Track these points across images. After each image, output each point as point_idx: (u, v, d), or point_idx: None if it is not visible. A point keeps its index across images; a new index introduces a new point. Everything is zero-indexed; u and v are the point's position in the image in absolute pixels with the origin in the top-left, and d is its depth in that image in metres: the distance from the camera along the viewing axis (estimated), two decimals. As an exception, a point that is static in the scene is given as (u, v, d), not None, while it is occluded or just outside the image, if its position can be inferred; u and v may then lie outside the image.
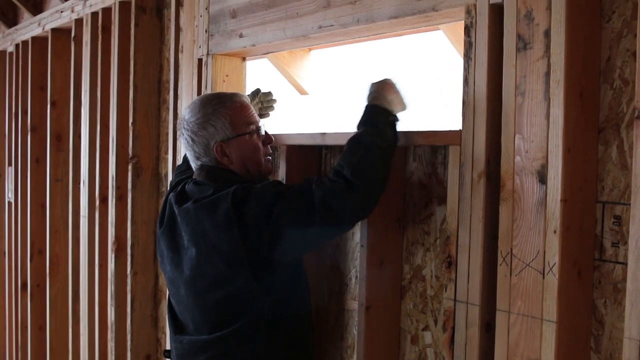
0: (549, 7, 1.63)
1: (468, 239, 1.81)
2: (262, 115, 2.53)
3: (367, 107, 1.96)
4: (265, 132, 2.16)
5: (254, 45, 2.51)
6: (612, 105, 1.65)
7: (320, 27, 2.24)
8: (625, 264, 1.60)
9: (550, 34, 1.62)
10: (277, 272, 1.98)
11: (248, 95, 2.49)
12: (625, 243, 1.61)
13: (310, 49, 2.79)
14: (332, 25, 2.20)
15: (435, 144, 2.03)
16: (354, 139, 1.91)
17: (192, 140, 2.08)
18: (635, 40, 1.61)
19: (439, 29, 2.37)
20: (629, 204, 1.59)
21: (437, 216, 2.08)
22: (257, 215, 1.89)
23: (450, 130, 1.89)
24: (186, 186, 2.10)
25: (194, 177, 2.13)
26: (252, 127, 2.10)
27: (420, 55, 2.94)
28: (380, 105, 1.93)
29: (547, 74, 1.63)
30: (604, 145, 1.66)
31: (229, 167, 2.08)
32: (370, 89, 1.98)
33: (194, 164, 2.13)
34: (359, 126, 1.94)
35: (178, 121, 2.20)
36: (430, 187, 2.10)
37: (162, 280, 3.33)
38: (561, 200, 1.61)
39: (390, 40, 2.67)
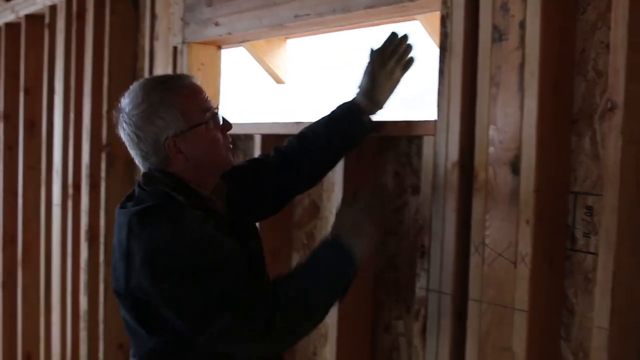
0: (524, -1, 1.64)
1: (441, 228, 1.82)
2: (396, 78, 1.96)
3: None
4: (223, 118, 1.78)
5: (229, 33, 2.50)
6: (586, 96, 1.66)
7: (296, 16, 2.23)
8: (596, 254, 1.62)
9: (526, 25, 1.63)
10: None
11: (379, 47, 1.94)
12: (597, 233, 1.63)
13: (286, 38, 2.78)
14: (308, 15, 2.19)
15: (410, 134, 2.04)
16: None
17: (138, 137, 1.71)
18: (608, 32, 1.62)
19: (415, 19, 2.38)
20: (601, 195, 1.60)
21: (411, 205, 2.09)
22: (142, 276, 1.63)
23: (424, 121, 1.90)
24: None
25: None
26: (208, 114, 1.74)
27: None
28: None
29: (522, 65, 1.64)
30: (578, 137, 1.68)
31: (179, 170, 1.72)
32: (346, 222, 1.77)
33: (142, 166, 1.78)
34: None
35: (115, 113, 1.77)
36: (405, 176, 2.11)
37: (136, 269, 3.30)
38: (534, 191, 1.62)
39: (367, 29, 2.67)
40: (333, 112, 1.97)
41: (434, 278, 1.85)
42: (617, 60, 1.49)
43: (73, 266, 3.58)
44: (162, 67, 2.84)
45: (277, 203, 2.05)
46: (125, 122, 1.73)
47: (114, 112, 1.78)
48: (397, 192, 2.13)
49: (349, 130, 1.94)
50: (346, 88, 2.78)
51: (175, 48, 2.75)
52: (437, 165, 1.84)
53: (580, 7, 1.67)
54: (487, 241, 1.72)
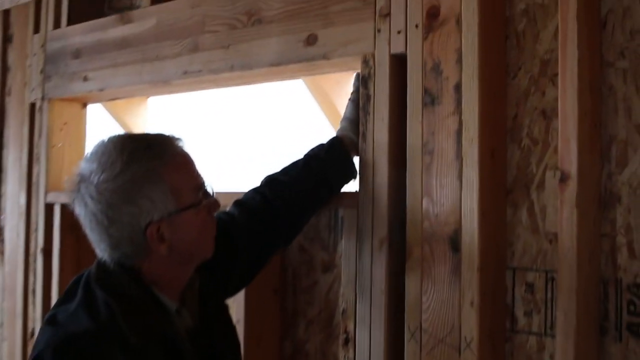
0: (459, 60, 1.51)
1: (369, 312, 1.62)
2: None
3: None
4: (214, 196, 1.42)
5: (101, 89, 2.19)
6: (521, 165, 1.56)
7: (185, 73, 1.98)
8: (540, 334, 1.50)
9: (462, 89, 1.50)
10: None
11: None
12: (539, 312, 1.51)
13: (147, 96, 2.50)
14: (200, 71, 1.95)
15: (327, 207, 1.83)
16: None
17: (109, 219, 1.30)
18: (542, 97, 1.53)
19: (299, 78, 2.22)
20: (543, 271, 1.50)
21: (322, 285, 1.88)
22: None
23: (344, 192, 1.70)
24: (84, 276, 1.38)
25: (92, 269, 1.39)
26: (200, 193, 1.37)
27: (277, 103, 2.77)
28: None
29: (459, 132, 1.51)
30: (513, 208, 1.56)
31: (153, 267, 1.35)
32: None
33: (103, 254, 1.35)
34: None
35: (72, 179, 1.35)
36: (313, 252, 1.89)
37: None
38: (478, 269, 1.47)
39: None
40: (317, 154, 1.71)
41: (361, 369, 1.63)
42: (568, 129, 1.40)
43: None
44: (16, 127, 2.45)
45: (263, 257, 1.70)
46: (91, 196, 1.30)
47: (65, 177, 1.39)
48: (304, 270, 1.91)
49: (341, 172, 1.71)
50: (211, 149, 2.54)
51: (32, 105, 2.38)
52: (361, 241, 1.64)
53: (510, 72, 1.57)
54: (425, 326, 1.54)
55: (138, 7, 2.22)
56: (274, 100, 2.74)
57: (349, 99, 1.73)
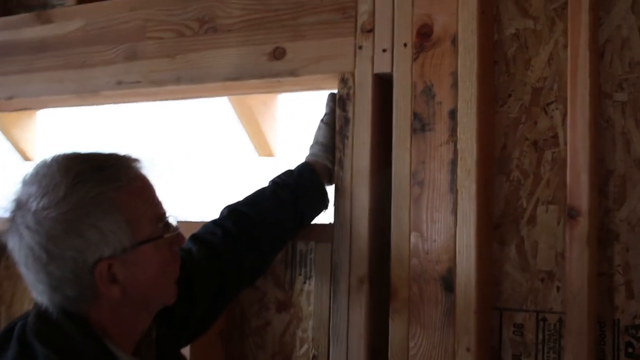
0: (454, 85, 1.39)
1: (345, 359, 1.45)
2: None
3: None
4: (178, 228, 1.19)
5: (10, 97, 1.88)
6: (510, 199, 1.46)
7: (119, 83, 1.73)
8: (530, 380, 1.40)
9: (457, 116, 1.39)
10: None
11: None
12: (529, 355, 1.41)
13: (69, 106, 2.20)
14: (138, 82, 1.71)
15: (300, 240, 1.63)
16: None
17: (48, 254, 1.06)
18: (534, 127, 1.45)
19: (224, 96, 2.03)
20: (533, 311, 1.41)
21: (275, 326, 1.68)
22: None
23: (316, 224, 1.53)
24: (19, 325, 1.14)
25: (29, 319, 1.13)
26: (161, 224, 1.15)
27: (198, 120, 2.55)
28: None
29: (454, 162, 1.38)
30: (501, 244, 1.46)
31: (103, 314, 1.12)
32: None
33: (43, 298, 1.11)
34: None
35: (6, 206, 1.13)
36: (265, 290, 1.70)
37: None
38: (474, 312, 1.35)
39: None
40: (285, 182, 1.51)
41: None
42: (579, 163, 1.31)
43: None
44: None
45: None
46: (28, 226, 1.07)
47: None
48: (255, 309, 1.70)
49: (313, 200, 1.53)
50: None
51: None
52: (336, 279, 1.47)
53: (499, 99, 1.48)
54: (412, 375, 1.39)
55: (55, 5, 1.94)
56: (191, 116, 2.52)
57: (322, 121, 1.56)
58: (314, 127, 1.57)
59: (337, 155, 1.49)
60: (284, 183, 1.50)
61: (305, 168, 1.52)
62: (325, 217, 1.53)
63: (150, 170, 1.18)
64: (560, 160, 1.42)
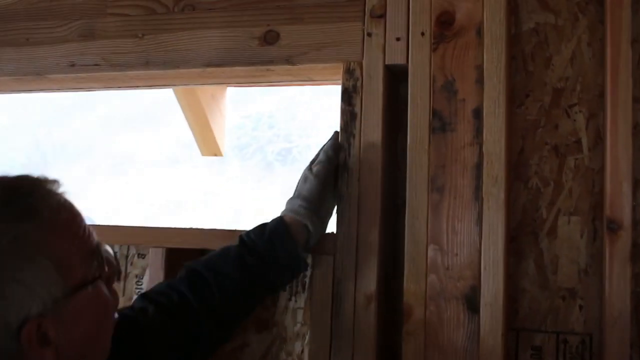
0: (479, 80, 1.24)
1: (349, 389, 1.28)
2: None
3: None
4: (115, 261, 0.98)
5: None
6: (528, 208, 1.33)
7: (73, 65, 1.48)
8: (549, 409, 1.28)
9: (484, 115, 1.24)
10: None
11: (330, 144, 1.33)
12: (552, 381, 1.29)
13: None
14: (96, 65, 1.46)
15: None
16: None
17: None
18: (556, 131, 1.33)
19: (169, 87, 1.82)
20: (553, 332, 1.29)
21: (254, 348, 1.48)
22: None
23: (315, 233, 1.34)
24: None
25: None
26: (95, 261, 0.93)
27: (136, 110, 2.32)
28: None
29: (479, 166, 1.24)
30: (517, 257, 1.33)
31: None
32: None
33: None
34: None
35: None
36: (243, 306, 1.49)
37: None
38: (502, 335, 1.21)
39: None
40: (254, 245, 1.25)
41: None
42: (621, 170, 1.19)
43: None
44: None
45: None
46: None
47: None
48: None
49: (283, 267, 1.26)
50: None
51: None
52: (339, 297, 1.29)
53: (516, 99, 1.35)
54: (429, 407, 1.23)
55: (-13, -28, 1.65)
56: (127, 108, 2.29)
57: (309, 170, 1.30)
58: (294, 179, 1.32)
59: (342, 155, 1.31)
60: (252, 247, 1.24)
61: (278, 229, 1.25)
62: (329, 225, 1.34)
63: (70, 191, 0.94)
64: (584, 167, 1.31)
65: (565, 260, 1.31)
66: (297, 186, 1.30)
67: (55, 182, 0.92)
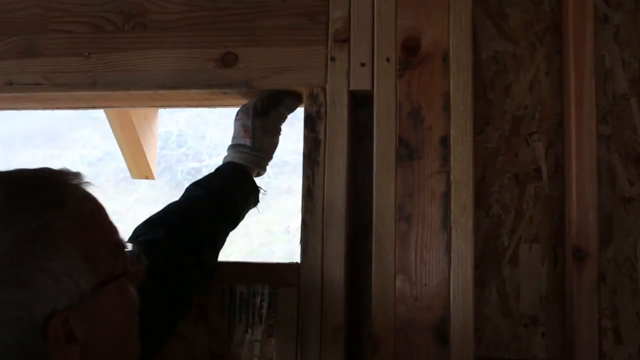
0: (447, 108, 1.23)
1: None
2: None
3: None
4: (140, 258, 1.01)
5: None
6: (489, 236, 1.34)
7: (10, 84, 1.37)
8: None
9: (451, 143, 1.23)
10: None
11: (242, 112, 1.33)
12: (511, 414, 1.29)
13: None
14: (38, 85, 1.36)
15: (234, 283, 1.36)
16: None
17: None
18: (515, 159, 1.34)
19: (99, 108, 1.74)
20: (515, 360, 1.28)
21: (207, 384, 1.41)
22: None
23: (277, 264, 1.29)
24: None
25: None
26: (121, 257, 0.88)
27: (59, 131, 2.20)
28: None
29: (447, 195, 1.22)
30: (480, 286, 1.32)
31: None
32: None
33: None
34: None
35: None
36: (195, 340, 1.42)
37: None
38: (472, 366, 1.19)
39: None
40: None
41: None
42: (586, 199, 1.21)
43: None
44: None
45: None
46: None
47: None
48: (181, 363, 1.41)
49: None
50: None
51: None
52: (304, 330, 1.24)
53: (476, 126, 1.35)
54: None
55: None
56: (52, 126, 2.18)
57: (238, 121, 1.33)
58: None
59: (306, 183, 1.27)
60: (208, 176, 1.30)
61: (237, 170, 1.31)
62: (287, 255, 1.29)
63: (96, 188, 0.90)
64: (544, 195, 1.33)
65: (527, 288, 1.31)
66: (235, 133, 1.33)
67: (77, 174, 0.87)
